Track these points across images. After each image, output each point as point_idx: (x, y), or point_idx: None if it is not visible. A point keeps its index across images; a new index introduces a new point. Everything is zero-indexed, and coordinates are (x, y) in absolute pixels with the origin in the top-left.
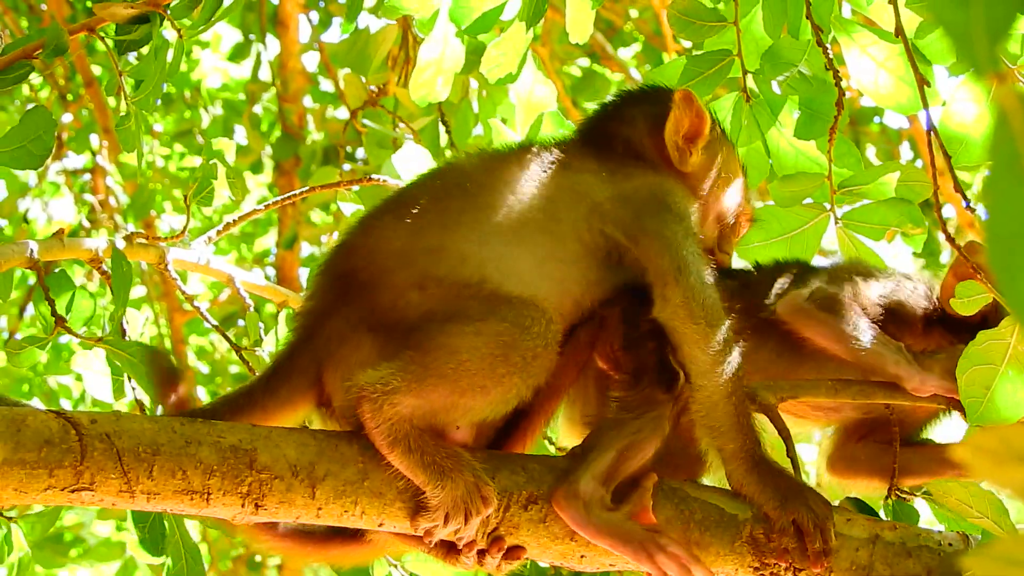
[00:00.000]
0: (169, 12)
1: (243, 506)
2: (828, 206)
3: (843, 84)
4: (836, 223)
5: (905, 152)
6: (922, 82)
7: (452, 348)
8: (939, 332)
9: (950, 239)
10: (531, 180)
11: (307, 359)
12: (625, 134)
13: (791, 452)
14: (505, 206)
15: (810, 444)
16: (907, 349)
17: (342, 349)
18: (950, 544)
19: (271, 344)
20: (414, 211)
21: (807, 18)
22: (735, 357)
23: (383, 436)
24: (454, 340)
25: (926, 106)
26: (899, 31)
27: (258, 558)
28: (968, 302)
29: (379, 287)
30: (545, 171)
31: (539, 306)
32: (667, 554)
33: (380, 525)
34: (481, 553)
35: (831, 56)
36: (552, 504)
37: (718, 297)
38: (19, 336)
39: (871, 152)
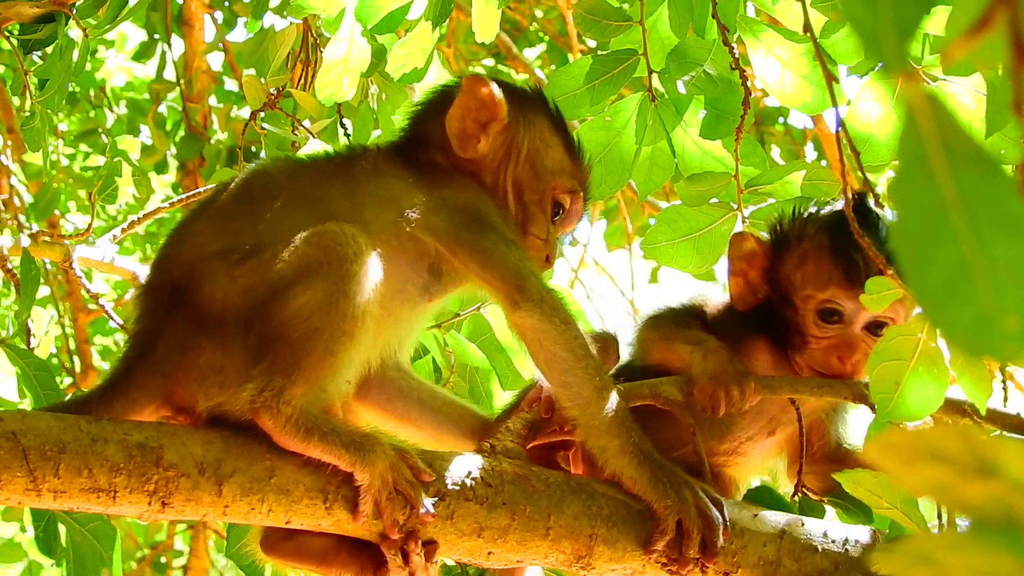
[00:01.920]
0: (75, 11)
1: (150, 504)
2: (735, 205)
3: (748, 84)
4: (743, 222)
5: (809, 152)
6: (830, 78)
7: (296, 315)
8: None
9: (860, 236)
10: (336, 182)
11: (148, 373)
12: (426, 132)
13: (697, 448)
14: (307, 205)
15: None
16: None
17: (186, 358)
18: (856, 540)
19: None
20: (221, 214)
21: (713, 17)
22: (595, 352)
23: (293, 434)
24: (292, 306)
25: (835, 103)
26: (807, 28)
27: (163, 559)
28: (877, 298)
29: (198, 287)
30: (351, 174)
31: (340, 228)
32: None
33: (287, 522)
34: (404, 552)
35: (737, 55)
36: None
37: (559, 296)
38: None
39: (775, 152)
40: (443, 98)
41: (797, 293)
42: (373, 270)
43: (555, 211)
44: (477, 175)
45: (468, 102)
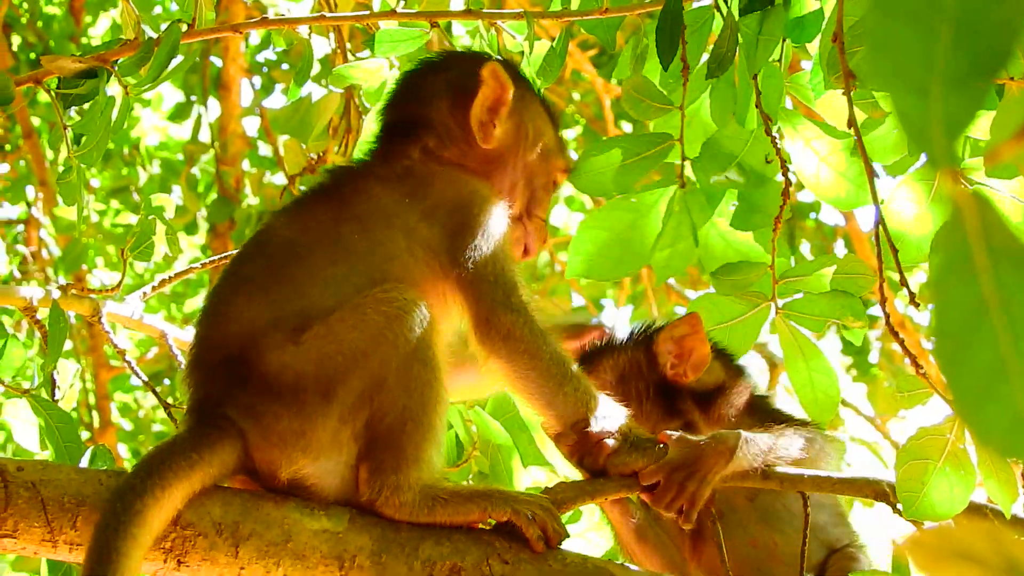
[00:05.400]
0: (117, 68)
1: (165, 561)
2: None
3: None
4: (776, 313)
5: (839, 249)
6: (871, 173)
7: (384, 403)
8: (691, 402)
9: (893, 332)
10: (342, 219)
11: (219, 437)
12: (420, 120)
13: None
14: (330, 254)
15: None
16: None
17: (261, 424)
18: None
19: None
20: (256, 284)
21: (756, 107)
22: (577, 373)
23: (418, 516)
24: (374, 382)
25: (875, 199)
26: (851, 123)
27: None
28: (908, 396)
29: (261, 358)
30: (350, 205)
31: (398, 293)
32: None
33: None
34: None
35: (779, 146)
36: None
37: (536, 316)
38: None
39: (805, 247)
40: (444, 83)
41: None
42: (435, 329)
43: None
44: (484, 164)
45: (488, 93)
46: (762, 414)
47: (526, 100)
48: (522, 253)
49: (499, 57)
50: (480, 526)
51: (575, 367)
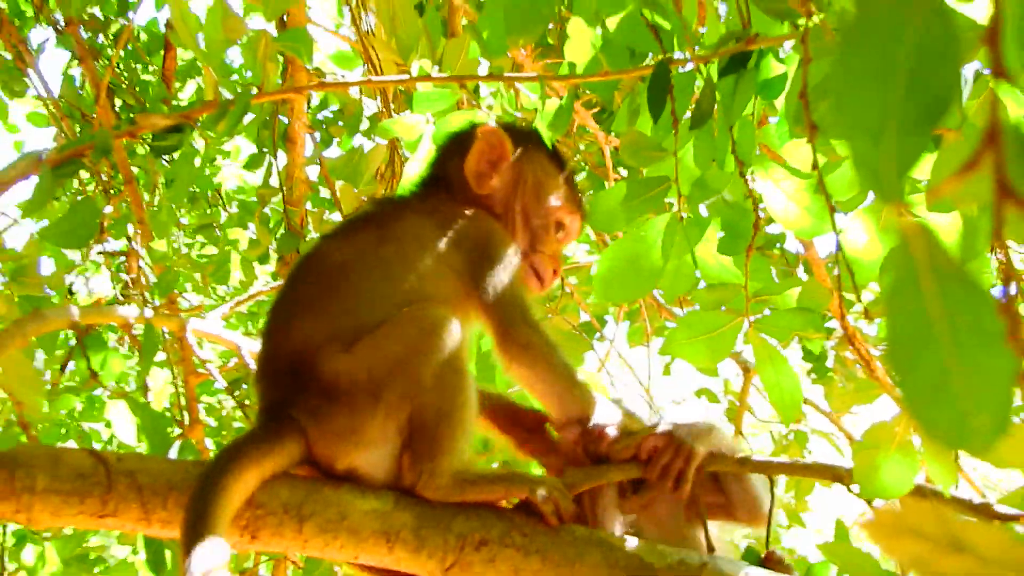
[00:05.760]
0: (199, 124)
1: (241, 536)
2: (742, 312)
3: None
4: (748, 327)
5: (800, 273)
6: (832, 209)
7: (423, 404)
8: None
9: (851, 341)
10: (384, 243)
11: (288, 435)
12: (445, 173)
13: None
14: (375, 274)
15: None
16: None
17: (320, 423)
18: None
19: None
20: (313, 306)
21: (732, 153)
22: (573, 372)
23: (451, 496)
24: (414, 388)
25: (834, 228)
26: (815, 165)
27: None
28: (861, 394)
29: (319, 368)
30: (391, 231)
31: (435, 311)
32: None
33: (356, 558)
34: None
35: (751, 186)
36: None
37: (547, 332)
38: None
39: (772, 272)
40: (458, 145)
41: None
42: (463, 340)
43: (557, 230)
44: (490, 207)
45: (482, 147)
46: None
47: (529, 154)
48: (539, 285)
49: (505, 123)
50: (503, 504)
51: (580, 375)
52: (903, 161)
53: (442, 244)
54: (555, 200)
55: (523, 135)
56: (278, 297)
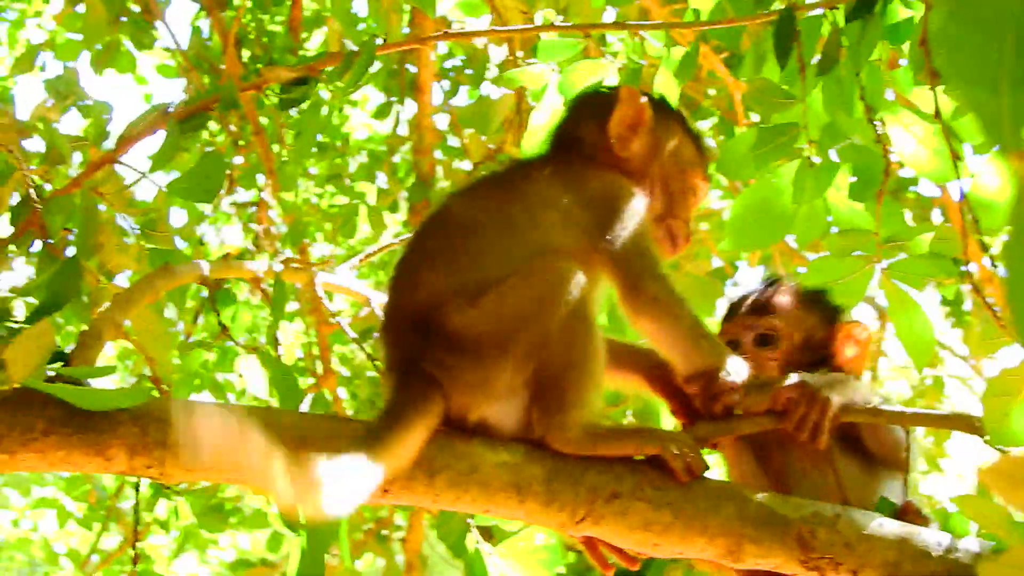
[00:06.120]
0: (324, 75)
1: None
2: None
3: (888, 156)
4: (880, 272)
5: (936, 217)
6: (955, 157)
7: (551, 356)
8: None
9: (976, 290)
10: (512, 199)
11: (421, 388)
12: (576, 134)
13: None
14: (502, 231)
15: None
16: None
17: (451, 374)
18: (967, 549)
19: None
20: (440, 259)
21: (860, 99)
22: (711, 332)
23: (581, 449)
24: (543, 338)
25: (958, 177)
26: (937, 113)
27: (385, 532)
28: (992, 343)
29: (448, 319)
30: (519, 189)
31: (563, 263)
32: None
33: (487, 511)
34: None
35: (880, 132)
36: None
37: (674, 285)
38: (192, 339)
39: (907, 216)
40: (594, 107)
41: None
42: (590, 292)
43: (691, 195)
44: (627, 171)
45: (626, 110)
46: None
47: (665, 121)
48: (671, 248)
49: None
50: (635, 459)
51: (709, 329)
52: (1018, 113)
53: (570, 202)
54: (692, 165)
55: (660, 104)
56: (405, 252)
